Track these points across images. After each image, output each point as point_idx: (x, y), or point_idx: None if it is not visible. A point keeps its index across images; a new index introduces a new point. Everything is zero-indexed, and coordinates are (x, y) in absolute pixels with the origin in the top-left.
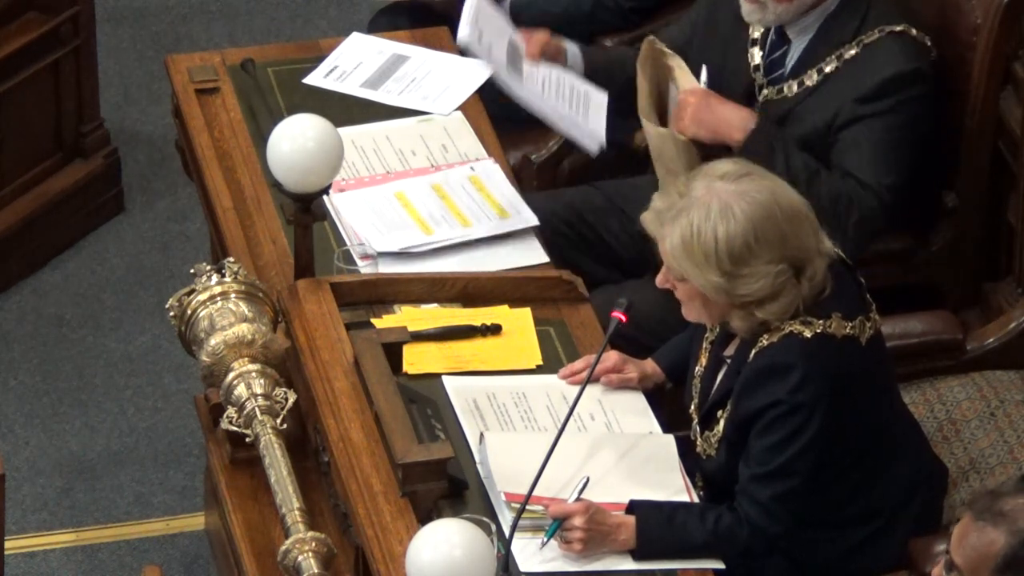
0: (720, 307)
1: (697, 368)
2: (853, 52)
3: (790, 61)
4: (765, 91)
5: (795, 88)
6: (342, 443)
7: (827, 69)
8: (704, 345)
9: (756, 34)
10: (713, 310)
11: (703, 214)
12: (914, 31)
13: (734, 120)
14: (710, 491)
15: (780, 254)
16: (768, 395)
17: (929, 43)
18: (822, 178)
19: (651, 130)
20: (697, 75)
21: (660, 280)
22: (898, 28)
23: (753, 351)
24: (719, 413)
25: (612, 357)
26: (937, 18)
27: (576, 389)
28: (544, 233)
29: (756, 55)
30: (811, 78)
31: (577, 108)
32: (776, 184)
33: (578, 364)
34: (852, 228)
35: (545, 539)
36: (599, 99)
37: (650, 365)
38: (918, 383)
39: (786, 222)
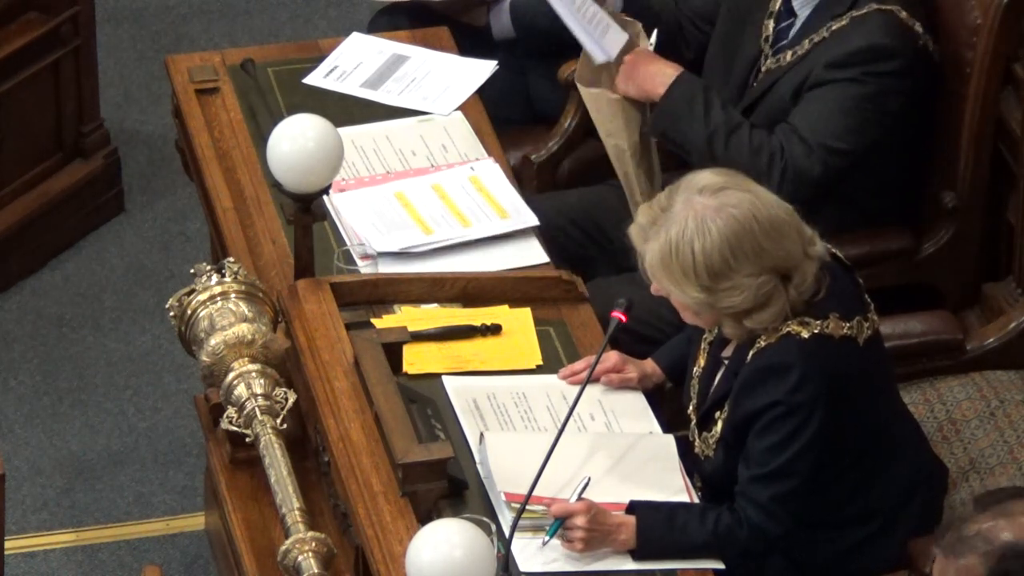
0: (711, 315)
1: (695, 369)
2: (842, 23)
3: (792, 33)
4: (768, 61)
5: (789, 57)
6: (342, 443)
7: (817, 39)
8: (702, 346)
9: (775, 7)
10: (706, 317)
11: (679, 230)
12: (904, 13)
13: (658, 76)
14: (709, 492)
15: (760, 266)
16: (766, 396)
17: (920, 30)
18: (744, 131)
19: (584, 93)
20: (649, 38)
21: (655, 289)
22: (888, 7)
23: (751, 352)
24: (717, 414)
25: (612, 357)
26: (937, 18)
27: (576, 389)
28: (546, 233)
29: (769, 26)
30: (803, 48)
31: (595, 30)
32: (756, 195)
33: (578, 364)
34: (778, 181)
35: (547, 538)
36: (619, 36)
37: (650, 365)
38: (918, 383)
39: (764, 234)
